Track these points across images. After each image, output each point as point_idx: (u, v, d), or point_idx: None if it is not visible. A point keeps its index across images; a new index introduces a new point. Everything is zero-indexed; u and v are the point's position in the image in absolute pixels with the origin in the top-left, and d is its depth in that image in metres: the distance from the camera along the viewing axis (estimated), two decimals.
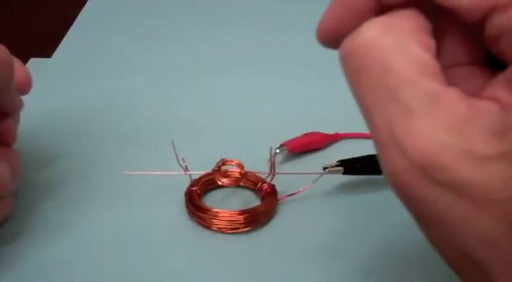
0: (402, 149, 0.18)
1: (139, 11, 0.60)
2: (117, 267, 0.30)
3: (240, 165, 0.35)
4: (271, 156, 0.34)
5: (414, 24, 0.20)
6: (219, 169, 0.34)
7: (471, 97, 0.19)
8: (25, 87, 0.33)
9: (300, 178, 0.35)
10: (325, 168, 0.35)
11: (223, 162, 0.34)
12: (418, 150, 0.18)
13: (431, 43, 0.20)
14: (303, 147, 0.39)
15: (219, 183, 0.35)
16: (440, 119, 0.18)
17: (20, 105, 0.33)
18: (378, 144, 0.19)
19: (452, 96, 0.18)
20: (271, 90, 0.47)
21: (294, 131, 0.39)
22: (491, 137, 0.18)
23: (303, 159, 0.39)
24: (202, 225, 0.33)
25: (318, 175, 0.34)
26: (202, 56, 0.52)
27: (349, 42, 0.20)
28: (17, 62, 0.31)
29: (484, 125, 0.18)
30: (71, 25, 0.56)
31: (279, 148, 0.37)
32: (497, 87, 0.19)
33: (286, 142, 0.38)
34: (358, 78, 0.19)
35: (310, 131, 0.40)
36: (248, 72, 0.49)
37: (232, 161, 0.35)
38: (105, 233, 0.32)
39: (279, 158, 0.37)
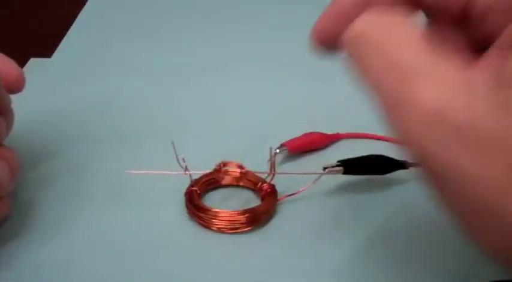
0: (411, 106, 0.19)
1: (139, 11, 0.60)
2: (116, 267, 0.30)
3: (240, 167, 0.35)
4: (271, 156, 0.34)
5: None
6: (220, 170, 0.35)
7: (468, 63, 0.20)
8: (17, 85, 0.33)
9: (300, 178, 0.35)
10: (325, 168, 0.35)
11: (224, 164, 0.35)
12: (426, 103, 0.19)
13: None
14: (303, 147, 0.39)
15: (220, 182, 0.35)
16: (443, 77, 0.19)
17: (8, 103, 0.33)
18: (386, 109, 0.20)
19: (450, 60, 0.20)
20: (271, 90, 0.47)
21: (294, 131, 0.39)
22: (493, 89, 0.19)
23: (303, 159, 0.39)
24: (202, 225, 0.33)
25: (318, 175, 0.34)
26: (202, 56, 0.52)
27: (351, 28, 0.21)
28: (7, 61, 0.31)
29: (485, 80, 0.19)
30: (71, 25, 0.56)
31: (279, 148, 0.37)
32: (489, 57, 0.20)
33: (286, 142, 0.38)
34: (364, 57, 0.21)
35: (310, 131, 0.40)
36: (248, 72, 0.49)
37: (232, 163, 0.35)
38: (105, 233, 0.32)
39: (279, 158, 0.37)
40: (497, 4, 0.21)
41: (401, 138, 0.20)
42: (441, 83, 0.19)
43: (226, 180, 0.35)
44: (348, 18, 0.22)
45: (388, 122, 0.20)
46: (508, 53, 0.19)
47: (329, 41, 0.23)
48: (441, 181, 0.20)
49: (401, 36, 0.20)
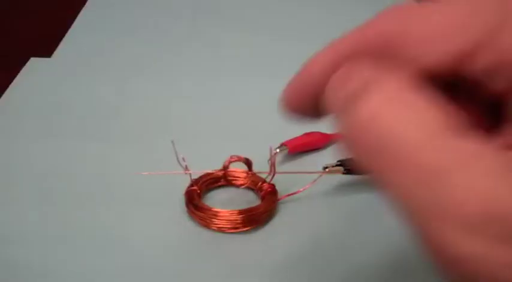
0: (444, 211, 0.14)
1: (139, 11, 0.60)
2: (116, 266, 0.30)
3: (247, 161, 0.34)
4: (271, 155, 0.34)
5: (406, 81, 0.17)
6: (228, 165, 0.34)
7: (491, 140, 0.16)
8: None
9: (300, 178, 0.35)
10: (325, 168, 0.35)
11: (232, 159, 0.34)
12: (467, 205, 0.14)
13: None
14: (303, 147, 0.39)
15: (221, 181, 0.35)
16: (479, 168, 0.15)
17: None
18: (413, 225, 0.16)
19: (478, 145, 0.15)
20: (271, 90, 0.47)
21: (294, 131, 0.39)
22: None
23: (303, 159, 0.39)
24: (202, 224, 0.33)
25: (318, 175, 0.34)
26: (202, 56, 0.52)
27: (351, 117, 0.17)
28: None
29: None
30: (71, 25, 0.56)
31: (279, 148, 0.37)
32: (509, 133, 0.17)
33: (286, 142, 0.38)
34: (371, 157, 0.17)
35: (310, 131, 0.40)
36: (248, 72, 0.49)
37: (239, 158, 0.34)
38: (104, 232, 0.32)
39: (279, 157, 0.37)
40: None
41: (441, 256, 0.15)
42: (479, 170, 0.15)
43: (227, 180, 0.35)
44: (316, 88, 0.19)
45: (418, 241, 0.16)
46: None
47: (300, 111, 0.21)
48: None
49: (414, 127, 0.16)
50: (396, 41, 0.18)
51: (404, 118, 0.16)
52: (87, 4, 0.61)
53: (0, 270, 0.29)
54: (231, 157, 0.34)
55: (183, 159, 0.33)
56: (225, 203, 0.34)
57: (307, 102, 0.20)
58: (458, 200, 0.14)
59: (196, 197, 0.33)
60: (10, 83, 0.46)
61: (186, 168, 0.33)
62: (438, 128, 0.15)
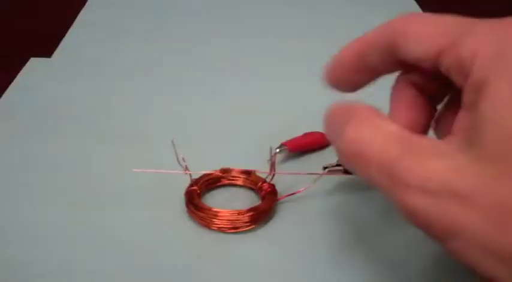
0: (401, 185, 0.22)
1: (139, 10, 0.60)
2: (116, 266, 0.30)
3: (246, 173, 0.35)
4: (271, 155, 0.34)
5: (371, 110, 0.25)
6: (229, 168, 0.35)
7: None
8: None
9: (300, 178, 0.35)
10: (325, 168, 0.35)
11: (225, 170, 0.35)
12: (414, 179, 0.22)
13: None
14: (303, 147, 0.39)
15: (221, 181, 0.35)
16: (418, 153, 0.22)
17: None
18: (387, 197, 0.23)
19: (424, 140, 0.23)
20: (271, 90, 0.47)
21: (294, 131, 0.39)
22: (465, 150, 0.22)
23: (303, 159, 0.39)
24: (202, 224, 0.33)
25: (318, 175, 0.34)
26: (203, 57, 0.52)
27: (339, 141, 0.25)
28: None
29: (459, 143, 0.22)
30: (71, 25, 0.56)
31: (279, 148, 0.37)
32: (459, 120, 0.23)
33: (286, 142, 0.38)
34: (354, 164, 0.24)
35: (310, 131, 0.40)
36: (248, 72, 0.49)
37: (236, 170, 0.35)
38: (104, 232, 0.32)
39: (279, 157, 0.37)
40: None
41: (403, 211, 0.22)
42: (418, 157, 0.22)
43: (227, 180, 0.35)
44: (347, 67, 0.27)
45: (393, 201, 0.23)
46: (470, 114, 0.22)
47: (335, 84, 0.29)
48: (442, 239, 0.22)
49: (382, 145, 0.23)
50: (400, 34, 0.25)
51: (371, 136, 0.23)
52: (87, 4, 0.61)
53: (0, 270, 0.29)
54: (233, 169, 0.35)
55: (183, 159, 0.33)
56: (225, 203, 0.34)
57: (340, 77, 0.28)
58: (411, 177, 0.22)
59: (196, 197, 0.33)
60: (10, 83, 0.46)
61: (186, 168, 0.33)
62: (392, 138, 0.23)
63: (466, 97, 0.23)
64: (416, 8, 0.62)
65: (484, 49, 0.22)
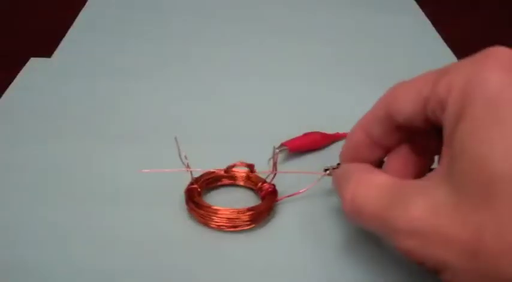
0: (393, 231, 0.26)
1: (139, 10, 0.60)
2: (116, 265, 0.30)
3: (251, 166, 0.35)
4: (273, 155, 0.34)
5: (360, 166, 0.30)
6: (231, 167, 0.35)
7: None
8: None
9: (300, 178, 0.35)
10: (326, 170, 0.35)
11: (236, 164, 0.35)
12: (404, 226, 0.25)
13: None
14: (303, 147, 0.39)
15: (221, 181, 0.35)
16: (407, 204, 0.25)
17: None
18: (386, 240, 0.27)
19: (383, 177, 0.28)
20: (271, 90, 0.47)
21: (294, 131, 0.39)
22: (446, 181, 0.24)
23: (303, 159, 0.39)
24: (201, 222, 0.33)
25: (318, 175, 0.34)
26: (203, 57, 0.52)
27: (342, 203, 0.29)
28: None
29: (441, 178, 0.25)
30: (71, 25, 0.56)
31: (279, 148, 0.37)
32: (443, 156, 0.25)
33: (286, 142, 0.38)
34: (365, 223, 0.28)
35: (310, 131, 0.40)
36: (248, 72, 0.49)
37: (242, 163, 0.35)
38: (104, 230, 0.32)
39: (279, 158, 0.37)
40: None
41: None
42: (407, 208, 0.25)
43: (227, 179, 0.35)
44: (357, 148, 0.31)
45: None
46: (449, 147, 0.24)
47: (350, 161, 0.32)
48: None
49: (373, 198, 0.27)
50: (391, 100, 0.29)
51: (365, 194, 0.27)
52: (87, 4, 0.61)
53: (0, 270, 0.29)
54: (235, 163, 0.35)
55: (185, 157, 0.33)
56: (225, 202, 0.34)
57: (355, 157, 0.32)
58: (399, 224, 0.25)
59: (196, 195, 0.33)
60: (10, 83, 0.46)
61: (188, 166, 0.33)
62: (383, 190, 0.26)
63: (445, 130, 0.25)
64: (416, 8, 0.62)
65: (456, 82, 0.24)
